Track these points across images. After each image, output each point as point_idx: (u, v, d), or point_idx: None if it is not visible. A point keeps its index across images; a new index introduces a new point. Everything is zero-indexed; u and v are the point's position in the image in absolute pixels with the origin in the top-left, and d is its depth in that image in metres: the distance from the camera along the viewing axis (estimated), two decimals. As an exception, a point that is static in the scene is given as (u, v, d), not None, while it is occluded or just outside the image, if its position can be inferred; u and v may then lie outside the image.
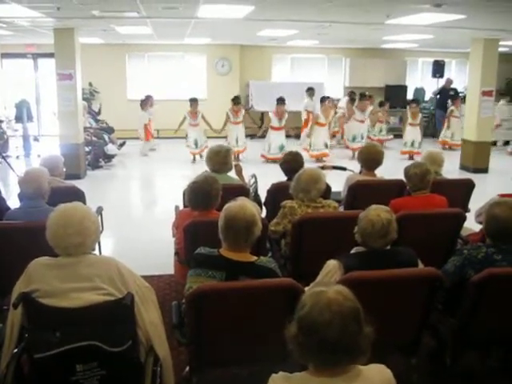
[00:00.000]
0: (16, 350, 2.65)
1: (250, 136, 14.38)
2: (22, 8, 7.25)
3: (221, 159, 5.17)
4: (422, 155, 6.02)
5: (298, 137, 14.25)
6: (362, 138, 13.18)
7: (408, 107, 13.43)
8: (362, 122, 13.28)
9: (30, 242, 3.43)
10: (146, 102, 13.63)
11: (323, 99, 12.86)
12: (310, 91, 13.94)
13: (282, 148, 12.27)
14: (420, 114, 13.20)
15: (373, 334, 1.86)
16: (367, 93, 14.45)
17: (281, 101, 12.36)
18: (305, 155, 11.66)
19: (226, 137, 12.56)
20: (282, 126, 12.48)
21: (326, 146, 12.46)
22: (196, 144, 12.47)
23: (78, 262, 2.66)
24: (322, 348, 1.80)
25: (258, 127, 14.54)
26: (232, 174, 5.42)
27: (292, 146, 11.70)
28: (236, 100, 12.62)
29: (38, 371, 2.56)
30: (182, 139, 12.69)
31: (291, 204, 4.35)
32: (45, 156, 5.55)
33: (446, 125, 14.31)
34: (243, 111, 12.86)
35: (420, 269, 3.22)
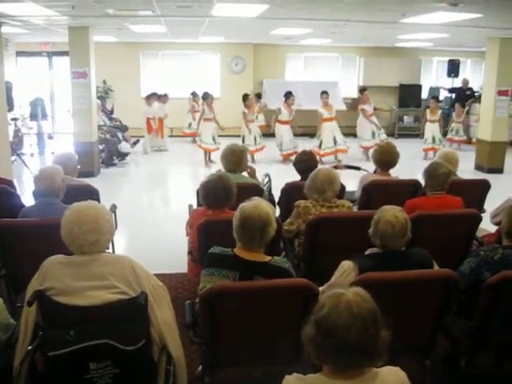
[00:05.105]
0: (30, 348, 2.65)
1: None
2: (38, 6, 7.28)
3: (236, 158, 5.15)
4: (436, 155, 5.96)
5: (311, 136, 14.15)
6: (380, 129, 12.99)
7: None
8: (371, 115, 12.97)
9: (44, 239, 3.43)
10: (150, 98, 13.63)
11: (321, 94, 12.41)
12: None
13: (293, 142, 12.18)
14: (439, 110, 13.21)
15: (389, 335, 1.84)
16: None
17: (289, 94, 12.21)
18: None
19: (239, 135, 12.39)
20: (290, 120, 12.30)
21: (335, 141, 12.08)
22: (214, 139, 12.07)
23: (93, 260, 2.66)
24: (341, 350, 1.79)
25: (267, 126, 14.20)
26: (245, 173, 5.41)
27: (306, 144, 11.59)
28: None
29: (52, 369, 2.55)
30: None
31: (305, 204, 4.33)
32: (57, 153, 5.52)
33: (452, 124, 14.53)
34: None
35: (435, 270, 3.19)
